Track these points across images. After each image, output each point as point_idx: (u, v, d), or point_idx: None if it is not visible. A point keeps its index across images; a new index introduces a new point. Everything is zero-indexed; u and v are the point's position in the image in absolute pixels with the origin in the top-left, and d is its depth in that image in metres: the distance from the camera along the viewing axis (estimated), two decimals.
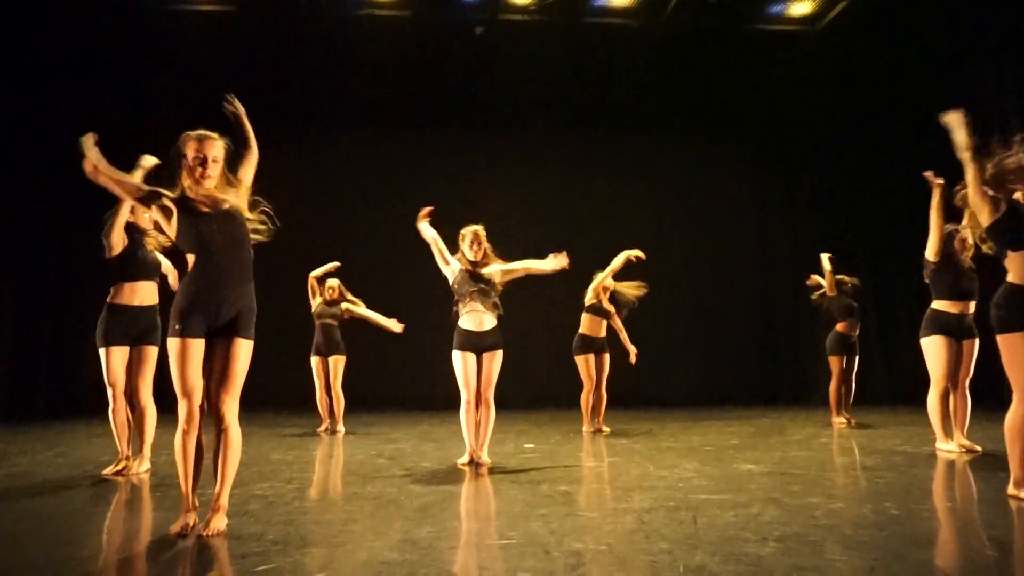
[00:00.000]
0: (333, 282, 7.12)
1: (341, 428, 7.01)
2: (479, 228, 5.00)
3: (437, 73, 9.68)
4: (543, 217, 10.34)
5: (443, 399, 9.61)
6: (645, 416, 7.06)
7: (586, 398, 6.88)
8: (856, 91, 10.16)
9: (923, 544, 2.76)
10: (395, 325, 6.49)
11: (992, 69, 8.27)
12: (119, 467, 4.48)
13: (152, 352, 4.57)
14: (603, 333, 6.91)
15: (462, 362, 4.85)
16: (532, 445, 5.87)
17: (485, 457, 4.84)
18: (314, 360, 7.06)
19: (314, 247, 9.18)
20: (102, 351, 4.48)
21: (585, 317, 6.91)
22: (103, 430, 6.99)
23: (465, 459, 4.87)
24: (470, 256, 4.94)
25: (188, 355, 2.99)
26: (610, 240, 10.45)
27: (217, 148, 3.14)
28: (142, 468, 4.53)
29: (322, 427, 7.01)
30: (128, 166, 10.53)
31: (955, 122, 3.77)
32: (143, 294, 4.58)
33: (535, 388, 9.62)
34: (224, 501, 3.07)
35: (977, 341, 5.20)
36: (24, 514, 3.41)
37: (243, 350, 3.06)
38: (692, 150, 10.73)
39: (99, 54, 9.08)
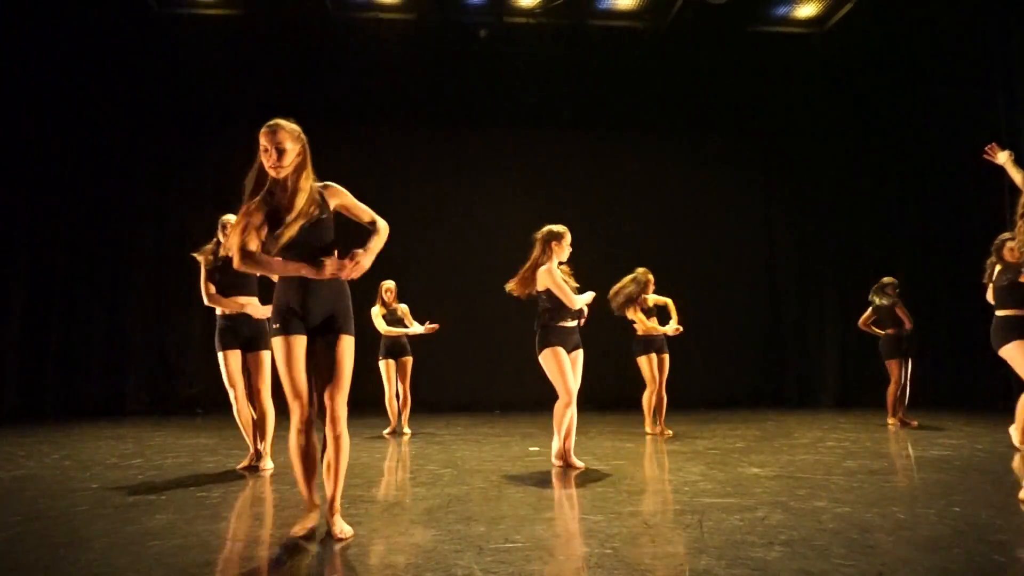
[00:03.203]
0: (390, 283, 7.00)
1: (407, 430, 6.96)
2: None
3: (442, 76, 9.69)
4: (547, 219, 10.19)
5: (449, 402, 9.64)
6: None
7: (648, 399, 6.84)
8: (862, 93, 10.13)
9: (930, 549, 2.74)
10: (421, 328, 6.94)
11: (999, 71, 8.24)
12: (249, 462, 4.75)
13: (265, 356, 4.75)
14: (659, 331, 6.80)
15: (562, 360, 4.74)
16: (537, 448, 5.86)
17: (577, 461, 4.84)
18: (387, 363, 6.94)
19: None
20: (219, 356, 4.73)
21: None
22: (110, 433, 7.03)
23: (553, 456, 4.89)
24: (563, 258, 4.87)
25: (292, 353, 2.92)
26: (615, 242, 10.49)
27: (287, 137, 2.91)
28: (267, 466, 4.74)
29: (388, 429, 6.93)
30: (133, 169, 10.54)
31: (1006, 164, 3.90)
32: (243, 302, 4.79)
33: (539, 390, 9.60)
34: (339, 504, 3.04)
35: None
36: (30, 516, 3.41)
37: (346, 347, 2.99)
38: (698, 152, 10.70)
39: (105, 59, 9.11)
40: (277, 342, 2.95)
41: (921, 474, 4.47)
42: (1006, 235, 5.11)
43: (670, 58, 9.54)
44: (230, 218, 4.78)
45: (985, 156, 4.74)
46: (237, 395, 4.70)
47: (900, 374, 7.32)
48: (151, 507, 3.73)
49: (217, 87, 9.35)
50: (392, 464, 5.16)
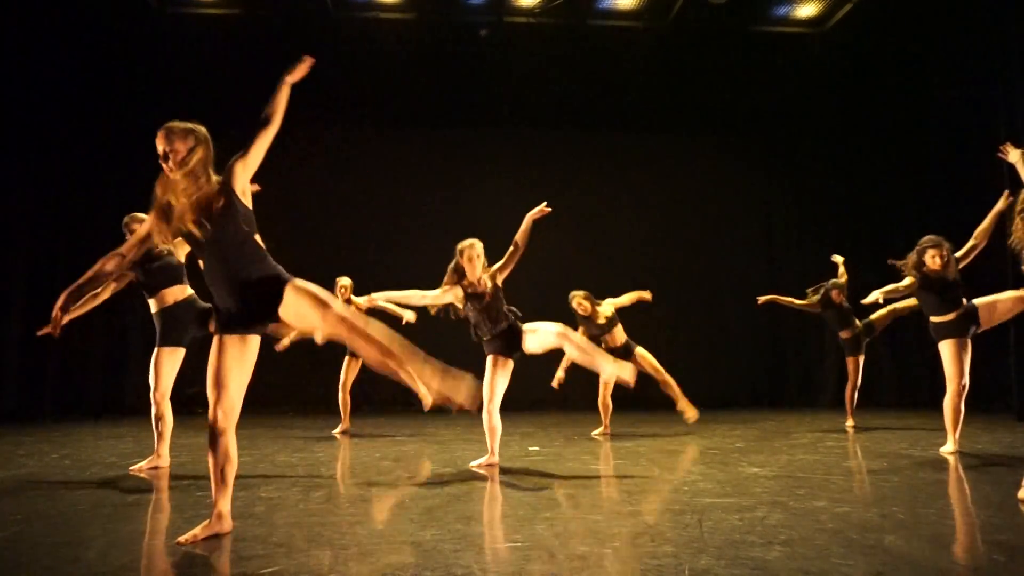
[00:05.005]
0: (346, 281, 6.82)
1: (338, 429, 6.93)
2: (471, 245, 4.92)
3: (441, 75, 9.69)
4: (548, 219, 10.29)
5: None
6: (650, 419, 7.04)
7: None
8: (862, 93, 10.13)
9: (930, 548, 2.74)
10: (408, 315, 6.48)
11: (999, 70, 8.23)
12: (150, 464, 4.70)
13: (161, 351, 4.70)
14: (620, 343, 6.80)
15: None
16: (537, 448, 5.86)
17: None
18: (349, 360, 6.88)
19: (318, 247, 9.20)
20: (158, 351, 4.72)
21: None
22: (109, 432, 7.02)
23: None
24: (471, 276, 4.87)
25: (216, 351, 2.94)
26: (615, 242, 10.50)
27: (177, 139, 2.93)
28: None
29: (339, 428, 6.93)
30: (132, 167, 10.50)
31: (1017, 162, 3.94)
32: (170, 296, 4.78)
33: (539, 390, 9.61)
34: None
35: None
36: (30, 515, 3.41)
37: (289, 304, 2.89)
38: (698, 152, 10.70)
39: (104, 58, 9.11)
40: (215, 340, 2.95)
41: (920, 473, 4.47)
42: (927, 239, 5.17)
43: (670, 58, 9.54)
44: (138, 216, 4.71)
45: (999, 154, 4.78)
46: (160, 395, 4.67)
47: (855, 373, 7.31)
48: (151, 507, 3.73)
49: (216, 86, 9.33)
50: (392, 464, 5.15)
